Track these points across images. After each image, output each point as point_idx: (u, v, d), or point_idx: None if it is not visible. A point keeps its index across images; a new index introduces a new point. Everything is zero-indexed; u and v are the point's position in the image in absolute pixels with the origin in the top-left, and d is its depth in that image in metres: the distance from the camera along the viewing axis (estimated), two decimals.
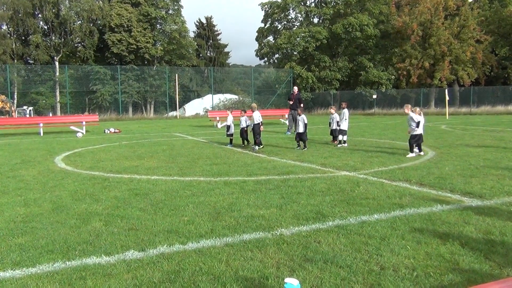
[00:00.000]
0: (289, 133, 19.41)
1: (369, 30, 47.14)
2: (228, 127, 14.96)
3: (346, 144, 13.79)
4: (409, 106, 11.60)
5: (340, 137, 13.92)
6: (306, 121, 13.23)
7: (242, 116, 14.54)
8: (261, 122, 13.77)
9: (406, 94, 49.35)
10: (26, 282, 3.75)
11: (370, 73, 48.30)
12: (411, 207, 5.98)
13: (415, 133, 11.15)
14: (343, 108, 14.44)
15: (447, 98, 31.15)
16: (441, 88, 43.87)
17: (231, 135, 14.87)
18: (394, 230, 4.96)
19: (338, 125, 14.10)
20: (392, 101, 47.64)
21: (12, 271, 4.00)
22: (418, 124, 11.15)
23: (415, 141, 11.19)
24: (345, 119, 14.01)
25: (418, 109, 11.68)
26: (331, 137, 15.01)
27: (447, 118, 31.37)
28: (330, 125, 15.04)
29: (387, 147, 13.19)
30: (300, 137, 13.22)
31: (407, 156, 10.93)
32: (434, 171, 8.86)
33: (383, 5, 49.61)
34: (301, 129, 13.08)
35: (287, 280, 3.14)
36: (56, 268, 4.04)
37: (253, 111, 14.11)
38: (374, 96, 43.39)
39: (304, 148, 12.92)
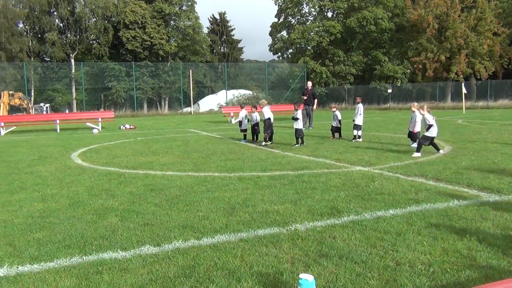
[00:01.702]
0: (311, 128, 19.30)
1: (383, 23, 46.62)
2: (241, 122, 15.00)
3: (361, 139, 13.70)
4: (425, 106, 10.80)
5: (355, 132, 13.82)
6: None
7: (254, 112, 14.55)
8: (267, 118, 13.58)
9: (422, 88, 48.78)
10: (44, 276, 3.81)
11: (385, 67, 47.82)
12: (427, 202, 5.92)
13: (430, 135, 10.38)
14: (358, 103, 14.32)
15: (464, 92, 30.67)
16: (458, 82, 43.19)
17: (245, 130, 14.89)
18: (410, 226, 4.91)
19: (353, 120, 14.00)
20: (408, 96, 47.11)
21: (30, 265, 4.07)
22: (429, 127, 10.34)
23: (425, 141, 10.45)
24: (360, 114, 13.91)
25: (426, 106, 10.87)
26: (331, 133, 14.90)
27: (463, 112, 30.93)
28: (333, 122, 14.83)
29: (402, 142, 13.04)
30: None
31: (413, 155, 10.24)
32: (450, 166, 8.75)
33: None
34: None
35: (302, 275, 3.14)
36: (73, 263, 4.09)
37: (262, 107, 14.05)
38: (389, 91, 42.96)
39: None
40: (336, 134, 14.67)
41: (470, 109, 35.60)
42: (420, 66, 46.25)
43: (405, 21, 47.90)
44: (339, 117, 14.49)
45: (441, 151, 10.49)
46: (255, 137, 14.39)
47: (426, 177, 7.70)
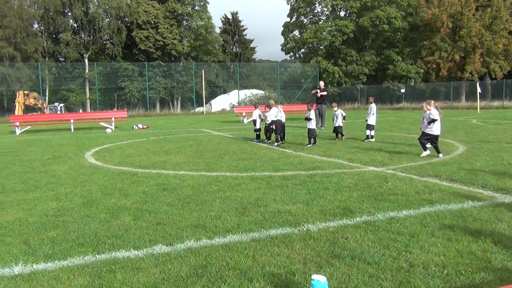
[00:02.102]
0: (323, 127, 19.21)
1: (397, 22, 46.29)
2: (255, 121, 15.01)
3: (373, 139, 13.61)
4: (432, 102, 10.38)
5: (367, 132, 13.74)
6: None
7: (267, 111, 14.52)
8: (277, 119, 13.55)
9: (436, 88, 48.33)
10: (58, 275, 3.84)
11: (398, 67, 47.51)
12: (441, 203, 5.86)
13: (431, 132, 10.06)
14: (371, 103, 14.21)
15: (478, 91, 30.31)
16: (472, 82, 42.73)
17: (258, 130, 14.89)
18: (423, 227, 4.86)
19: (366, 120, 13.92)
20: (421, 95, 46.69)
21: (44, 263, 4.11)
22: (431, 122, 10.01)
23: (426, 140, 10.17)
24: (373, 114, 13.81)
25: (433, 102, 10.44)
26: (334, 134, 14.56)
27: (478, 112, 30.56)
28: (333, 122, 14.57)
29: (416, 142, 12.91)
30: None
31: (421, 155, 10.08)
32: (465, 166, 8.65)
33: None
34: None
35: (314, 276, 3.12)
36: (87, 261, 4.13)
37: (270, 108, 14.00)
38: (403, 90, 42.64)
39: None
40: (338, 135, 14.44)
41: (485, 109, 35.14)
42: (434, 66, 45.82)
43: (419, 20, 47.51)
44: (344, 114, 14.40)
45: (440, 155, 9.97)
46: (269, 136, 14.38)
47: (440, 177, 7.62)
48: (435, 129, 10.07)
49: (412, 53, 49.56)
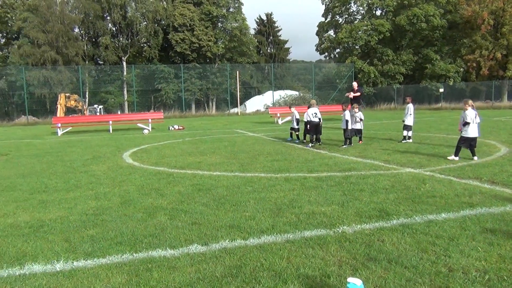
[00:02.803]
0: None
1: (435, 20, 45.12)
2: (298, 121, 14.95)
3: (411, 140, 13.33)
4: (470, 101, 9.90)
5: (404, 133, 13.47)
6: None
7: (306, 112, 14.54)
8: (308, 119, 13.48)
9: (476, 87, 46.82)
10: (97, 272, 3.95)
11: (436, 66, 46.30)
12: (482, 206, 5.67)
13: (466, 135, 9.68)
14: (408, 103, 13.91)
15: None
16: None
17: (294, 129, 14.92)
18: (463, 230, 4.72)
19: (403, 121, 13.63)
20: (461, 95, 45.27)
21: (84, 261, 4.23)
22: (465, 124, 9.67)
23: (463, 144, 9.71)
24: (410, 114, 13.53)
25: (470, 101, 9.90)
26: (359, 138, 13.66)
27: None
28: (351, 124, 13.40)
29: (455, 143, 12.56)
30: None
31: (448, 158, 9.72)
32: (507, 168, 8.34)
33: None
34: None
35: (350, 279, 3.09)
36: (124, 260, 4.22)
37: (308, 108, 13.93)
38: (441, 90, 41.52)
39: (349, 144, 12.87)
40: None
41: None
42: (474, 64, 44.44)
43: (458, 17, 46.17)
44: (362, 118, 13.50)
45: (475, 158, 9.54)
46: (305, 136, 14.39)
47: (481, 180, 7.38)
48: (470, 132, 9.68)
49: (451, 51, 48.20)
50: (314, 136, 13.25)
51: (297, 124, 14.93)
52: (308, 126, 13.36)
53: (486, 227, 4.81)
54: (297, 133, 14.97)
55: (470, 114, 9.71)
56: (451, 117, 27.02)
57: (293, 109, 15.67)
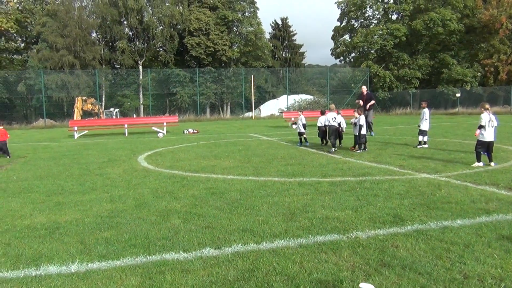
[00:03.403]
0: (373, 133, 18.73)
1: (452, 25, 44.66)
2: (304, 125, 15.00)
3: (426, 145, 13.20)
4: (486, 105, 9.79)
5: (420, 138, 13.33)
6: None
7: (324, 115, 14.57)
8: (324, 124, 13.54)
9: (494, 92, 46.15)
10: (111, 274, 3.99)
11: (453, 71, 45.80)
12: (499, 213, 5.59)
13: (481, 139, 9.54)
14: (423, 108, 13.78)
15: None
16: None
17: (301, 133, 15.06)
18: (479, 237, 4.66)
19: (418, 126, 13.50)
20: (478, 100, 44.46)
21: (99, 262, 4.28)
22: (479, 128, 9.54)
23: (481, 149, 9.56)
24: (426, 119, 13.39)
25: (486, 105, 9.79)
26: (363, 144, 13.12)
27: None
28: (357, 129, 13.17)
29: (471, 149, 12.40)
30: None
31: (472, 165, 9.49)
32: None
33: None
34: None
35: (362, 285, 3.07)
36: (138, 262, 4.26)
37: (321, 113, 14.07)
38: (458, 95, 41.01)
39: (364, 149, 12.70)
40: (360, 145, 13.06)
41: None
42: (492, 69, 43.89)
43: (476, 22, 45.64)
44: (361, 123, 12.84)
45: (492, 163, 9.41)
46: (325, 141, 14.49)
47: (498, 186, 7.27)
48: (486, 136, 9.50)
49: (469, 56, 47.64)
50: (336, 140, 13.20)
51: (304, 128, 15.03)
52: (328, 130, 13.24)
53: (502, 234, 4.74)
54: (304, 136, 15.06)
55: (485, 117, 9.57)
56: (467, 122, 26.68)
57: (300, 114, 15.69)
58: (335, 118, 13.21)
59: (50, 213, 6.27)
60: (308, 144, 14.89)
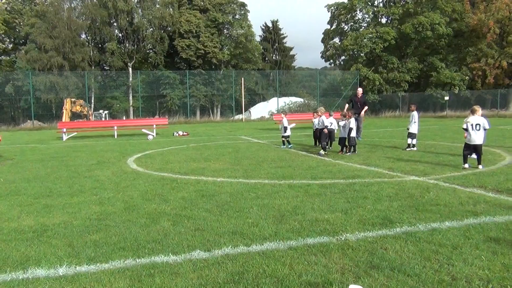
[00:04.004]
0: (360, 138, 18.75)
1: (441, 29, 45.08)
2: (286, 128, 15.08)
3: (415, 148, 13.30)
4: (475, 108, 9.81)
5: (409, 141, 13.43)
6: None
7: (315, 118, 14.64)
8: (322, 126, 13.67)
9: (481, 95, 46.67)
10: (100, 277, 3.96)
11: (441, 74, 46.22)
12: (487, 215, 5.64)
13: (466, 141, 9.68)
14: (412, 111, 13.88)
15: None
16: None
17: (284, 136, 15.22)
18: (467, 239, 4.70)
19: (407, 128, 13.61)
20: (466, 103, 45.10)
21: (87, 265, 4.24)
22: (465, 130, 9.67)
23: (466, 151, 9.71)
24: (414, 122, 13.49)
25: (475, 107, 9.84)
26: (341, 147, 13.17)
27: None
28: (344, 131, 13.12)
29: (460, 152, 12.51)
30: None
31: (461, 167, 9.61)
32: None
33: (456, 3, 47.18)
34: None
35: (352, 287, 3.08)
36: (127, 265, 4.23)
37: (321, 114, 14.18)
38: (446, 98, 41.42)
39: (353, 152, 12.71)
40: (351, 148, 12.96)
41: None
42: (480, 73, 44.39)
43: (464, 26, 46.15)
44: (351, 126, 12.67)
45: (480, 166, 9.50)
46: (320, 143, 14.56)
47: (486, 188, 7.35)
48: (471, 138, 9.61)
49: (457, 59, 48.14)
50: (328, 143, 13.38)
51: (285, 131, 15.14)
52: (324, 132, 13.22)
53: (490, 236, 4.78)
54: (287, 139, 15.22)
55: (472, 120, 9.66)
56: (456, 125, 26.93)
57: (283, 117, 15.52)
58: (331, 123, 13.58)
59: (38, 216, 6.20)
60: (291, 146, 14.91)
